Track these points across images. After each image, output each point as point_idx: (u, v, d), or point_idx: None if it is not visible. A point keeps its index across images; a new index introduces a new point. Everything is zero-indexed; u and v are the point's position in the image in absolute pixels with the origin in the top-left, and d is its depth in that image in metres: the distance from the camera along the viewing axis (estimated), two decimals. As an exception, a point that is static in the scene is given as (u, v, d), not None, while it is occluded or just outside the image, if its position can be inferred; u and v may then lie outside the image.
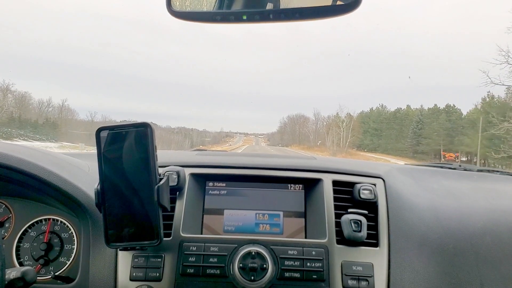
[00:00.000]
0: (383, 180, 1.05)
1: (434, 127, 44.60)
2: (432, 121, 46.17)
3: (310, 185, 1.03)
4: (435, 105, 49.77)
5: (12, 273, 0.70)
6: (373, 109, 60.91)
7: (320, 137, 63.53)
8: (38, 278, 0.95)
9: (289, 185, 1.03)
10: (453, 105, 47.83)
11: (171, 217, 0.95)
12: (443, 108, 48.33)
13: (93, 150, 0.90)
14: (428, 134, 44.79)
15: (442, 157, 40.52)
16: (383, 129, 55.14)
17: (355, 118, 56.46)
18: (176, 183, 0.94)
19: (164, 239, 0.83)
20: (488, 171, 1.43)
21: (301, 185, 1.03)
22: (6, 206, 1.06)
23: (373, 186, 1.00)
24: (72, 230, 1.02)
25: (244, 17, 0.81)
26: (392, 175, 1.10)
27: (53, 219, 1.03)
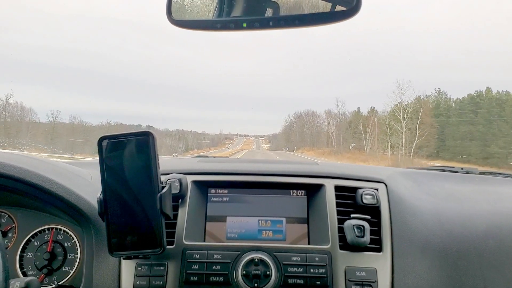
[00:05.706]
0: (385, 185, 1.05)
1: None
2: None
3: (313, 191, 1.03)
4: None
5: (16, 284, 0.70)
6: (421, 97, 36.16)
7: (341, 139, 47.21)
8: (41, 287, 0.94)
9: (291, 191, 1.03)
10: None
11: (173, 225, 0.95)
12: None
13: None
14: None
15: None
16: (447, 124, 34.98)
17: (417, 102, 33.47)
18: (178, 191, 0.94)
19: (167, 247, 0.84)
20: (490, 173, 1.43)
21: (303, 191, 1.03)
22: (9, 216, 1.06)
23: (375, 191, 1.00)
24: (75, 239, 1.02)
25: (244, 25, 0.82)
26: (394, 180, 1.09)
27: (56, 229, 1.04)
